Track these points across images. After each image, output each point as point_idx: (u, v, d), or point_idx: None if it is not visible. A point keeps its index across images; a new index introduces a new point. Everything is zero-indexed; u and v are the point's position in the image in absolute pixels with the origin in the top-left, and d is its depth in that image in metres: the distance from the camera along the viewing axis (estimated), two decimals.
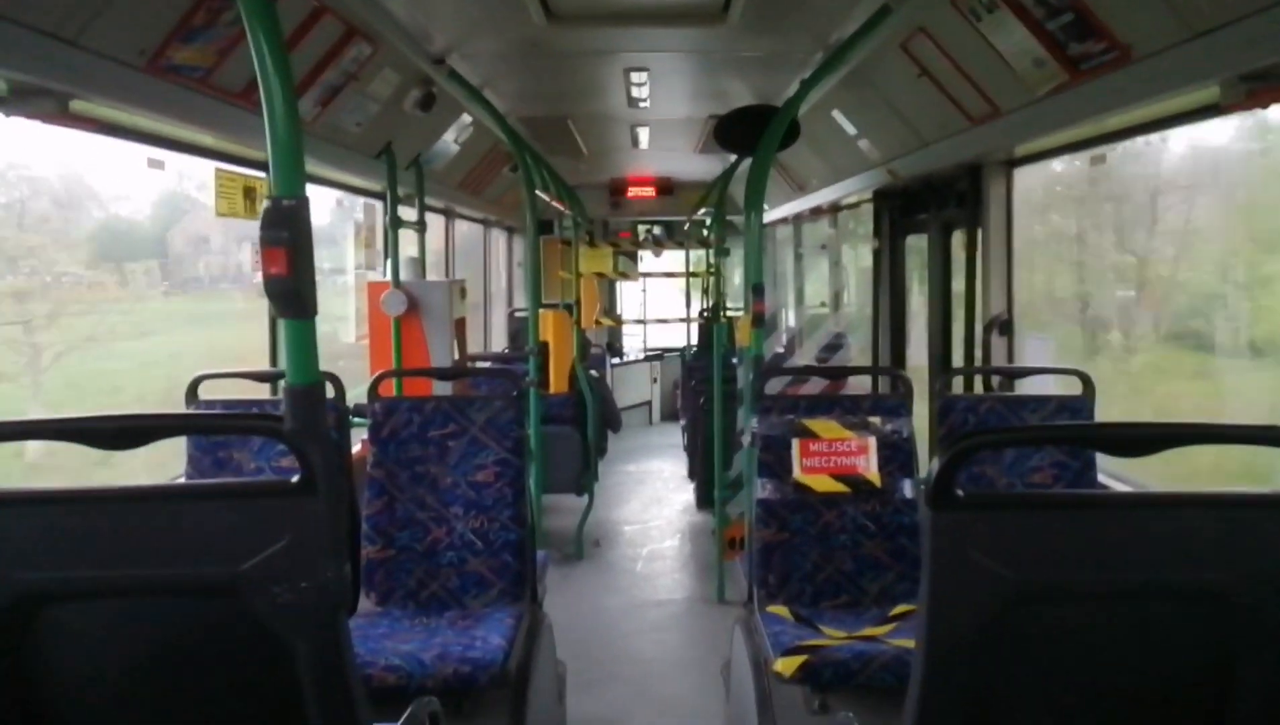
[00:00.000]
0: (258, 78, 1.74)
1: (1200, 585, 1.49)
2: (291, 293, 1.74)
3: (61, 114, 2.59)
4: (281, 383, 2.05)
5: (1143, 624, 1.53)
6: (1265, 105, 2.47)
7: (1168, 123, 3.16)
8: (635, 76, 5.17)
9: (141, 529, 1.50)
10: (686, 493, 8.42)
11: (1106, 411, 3.67)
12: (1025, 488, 3.49)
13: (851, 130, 5.51)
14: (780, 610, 3.33)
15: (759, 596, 3.47)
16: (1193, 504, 1.49)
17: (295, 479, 1.51)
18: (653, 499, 8.42)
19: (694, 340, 10.98)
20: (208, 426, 2.96)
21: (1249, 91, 2.45)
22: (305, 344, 1.81)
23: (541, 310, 5.95)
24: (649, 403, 12.41)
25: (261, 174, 3.99)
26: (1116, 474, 3.60)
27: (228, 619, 1.57)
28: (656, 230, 11.63)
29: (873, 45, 3.94)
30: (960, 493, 1.49)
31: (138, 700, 1.63)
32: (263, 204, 3.90)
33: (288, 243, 1.70)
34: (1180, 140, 3.60)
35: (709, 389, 6.81)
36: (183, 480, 3.61)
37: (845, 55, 3.97)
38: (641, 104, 5.88)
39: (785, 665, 2.91)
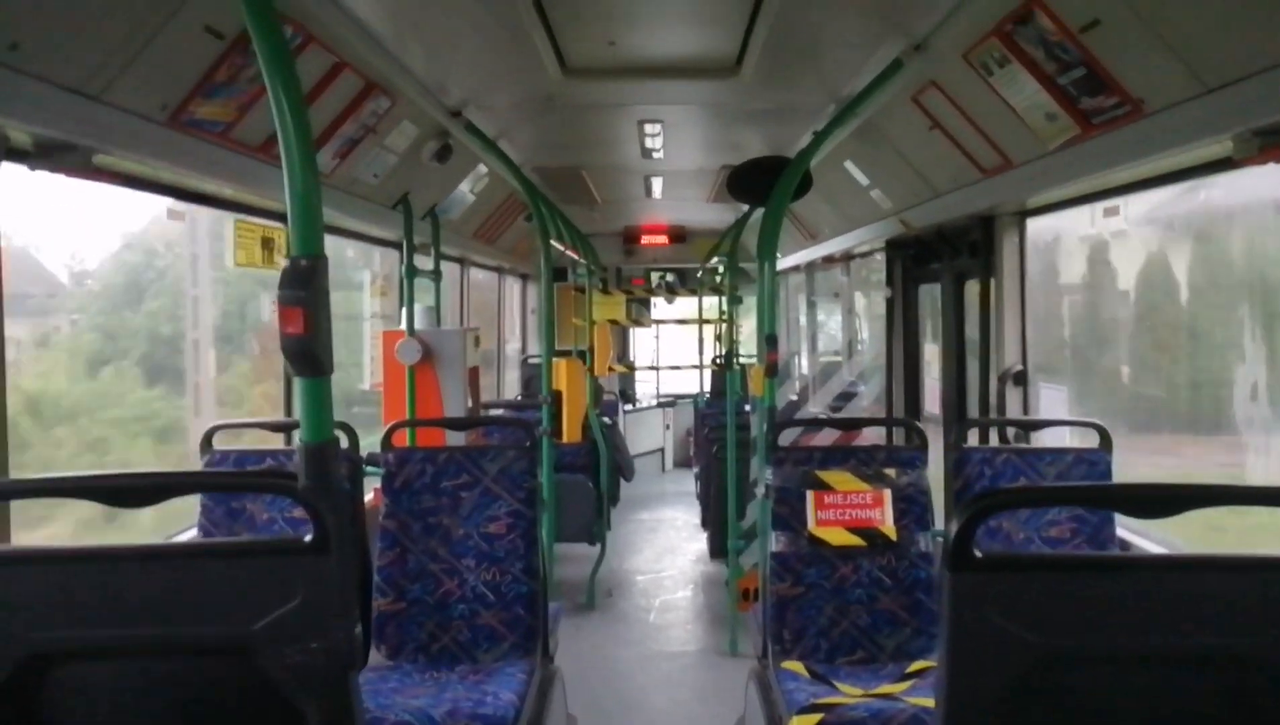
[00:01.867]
0: (278, 137, 1.76)
1: (1226, 650, 1.45)
2: (308, 352, 1.74)
3: (85, 167, 2.63)
4: (296, 433, 2.05)
5: (1168, 689, 1.50)
6: (1279, 160, 2.48)
7: (1181, 176, 3.17)
8: (649, 128, 5.23)
9: (153, 587, 1.50)
10: (699, 542, 8.35)
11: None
12: (1043, 542, 3.45)
13: (864, 181, 5.54)
14: (795, 666, 3.28)
15: (773, 652, 3.42)
16: (1217, 566, 1.47)
17: (308, 538, 1.51)
18: (666, 548, 8.35)
19: (707, 387, 10.97)
20: (222, 485, 2.97)
21: (1262, 146, 2.45)
22: (320, 402, 1.81)
23: (555, 358, 5.96)
24: (662, 450, 12.36)
25: (280, 225, 4.04)
26: (1137, 528, 3.55)
27: (238, 678, 1.55)
28: (670, 277, 11.68)
29: (884, 98, 3.97)
30: (979, 553, 1.47)
31: None
32: (281, 254, 3.96)
33: (305, 302, 1.71)
34: None
35: (722, 436, 6.79)
36: (194, 530, 3.61)
37: (857, 108, 4.00)
38: (655, 155, 5.94)
39: (801, 724, 2.86)
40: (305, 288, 1.71)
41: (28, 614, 1.47)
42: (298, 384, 1.84)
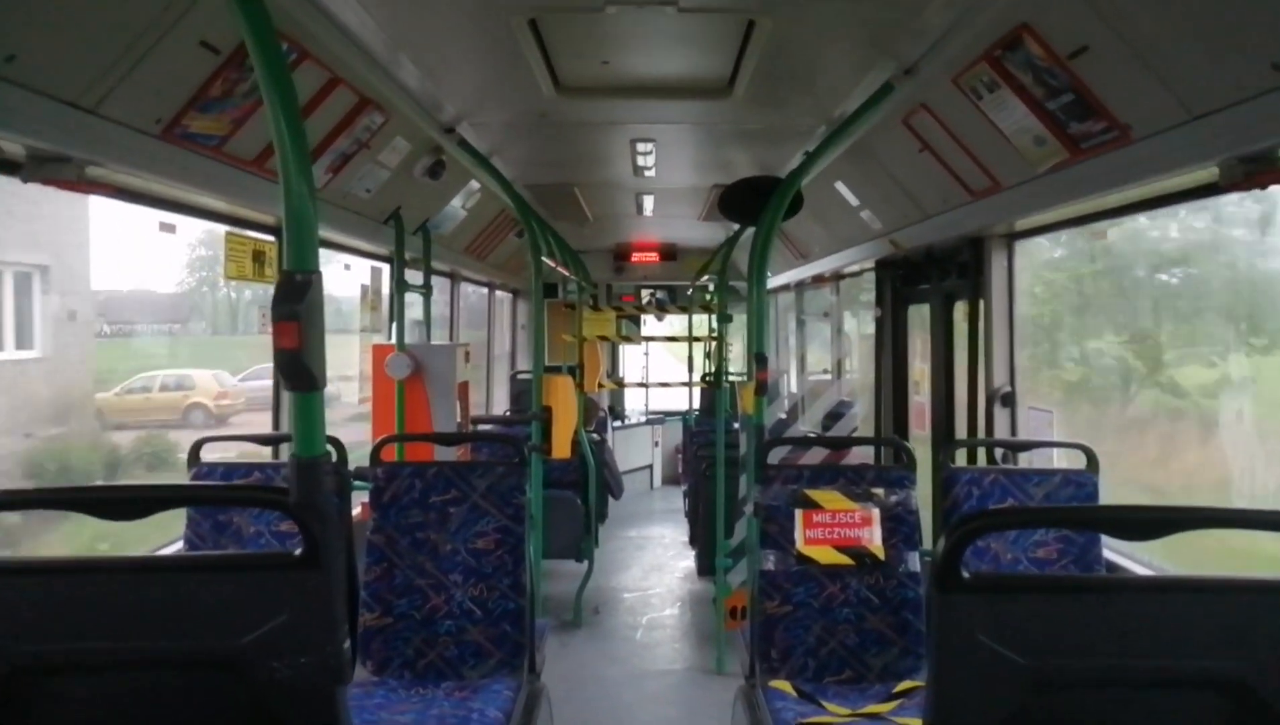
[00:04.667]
0: (275, 153, 1.77)
1: (1217, 672, 1.46)
2: (301, 366, 1.74)
3: (78, 180, 2.63)
4: (284, 447, 2.05)
5: (1159, 712, 1.51)
6: (1264, 186, 2.51)
7: (1168, 201, 3.20)
8: (641, 147, 5.25)
9: (142, 601, 1.49)
10: (687, 559, 8.33)
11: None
12: (1030, 563, 3.46)
13: (854, 201, 5.58)
14: (783, 685, 3.27)
15: (761, 670, 3.41)
16: (1207, 589, 1.48)
17: (298, 552, 1.50)
18: (653, 566, 8.33)
19: (696, 404, 10.96)
20: (212, 498, 2.96)
21: (1248, 173, 2.49)
22: (312, 416, 1.81)
23: (545, 374, 5.95)
24: (650, 467, 12.34)
25: (270, 237, 4.04)
26: (1123, 549, 3.57)
27: (226, 692, 1.54)
28: (660, 295, 11.70)
29: (875, 120, 4.00)
30: (967, 574, 1.48)
31: None
32: (271, 268, 3.95)
33: (300, 317, 1.71)
34: None
35: (711, 454, 6.78)
36: (180, 543, 3.59)
37: (848, 129, 4.03)
38: (647, 173, 5.97)
39: None
40: (299, 302, 1.71)
41: (15, 627, 1.46)
42: (290, 398, 1.84)
